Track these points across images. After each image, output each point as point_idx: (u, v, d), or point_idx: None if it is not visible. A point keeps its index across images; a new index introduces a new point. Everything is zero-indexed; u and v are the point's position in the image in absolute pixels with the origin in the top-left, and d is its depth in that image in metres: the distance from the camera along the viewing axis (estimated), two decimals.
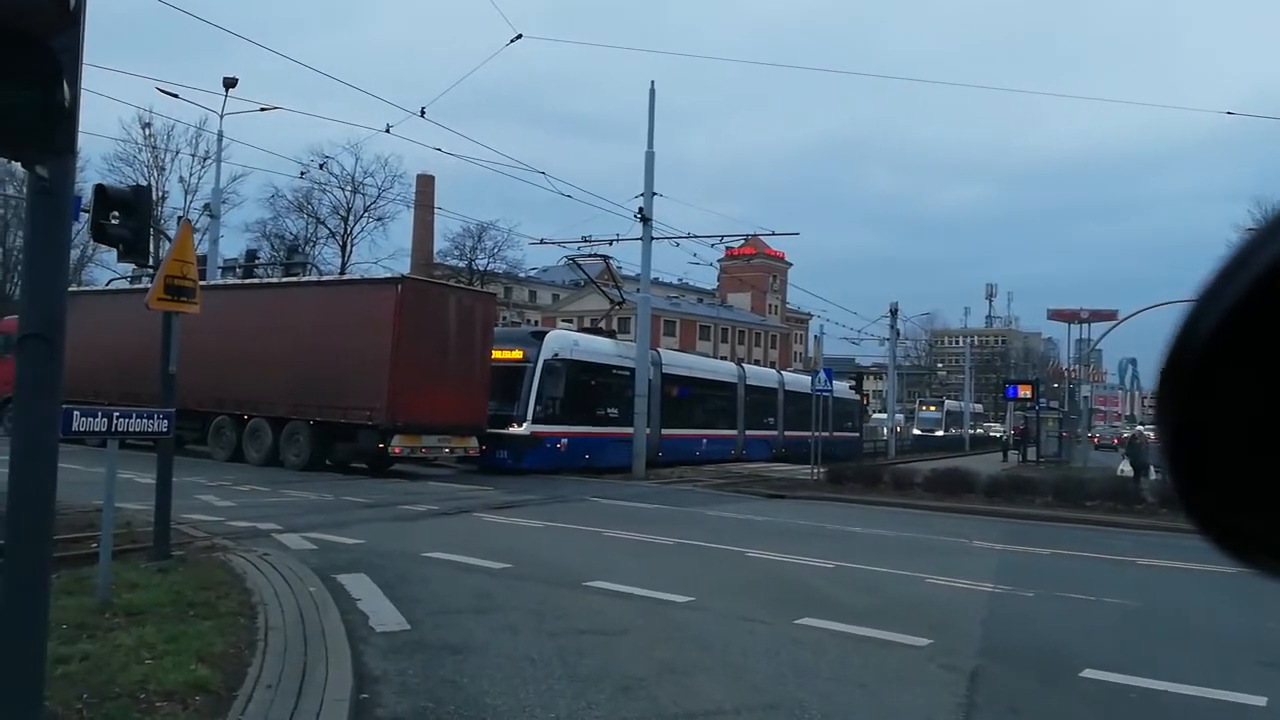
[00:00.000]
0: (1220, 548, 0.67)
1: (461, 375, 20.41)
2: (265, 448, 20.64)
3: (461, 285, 32.12)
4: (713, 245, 31.25)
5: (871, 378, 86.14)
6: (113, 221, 7.04)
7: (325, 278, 31.57)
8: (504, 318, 56.90)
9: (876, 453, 42.83)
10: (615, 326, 38.56)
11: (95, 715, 4.40)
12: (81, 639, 5.54)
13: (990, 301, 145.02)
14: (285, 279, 30.71)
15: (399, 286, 20.03)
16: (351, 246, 50.05)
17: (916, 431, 69.07)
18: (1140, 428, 34.48)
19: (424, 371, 19.27)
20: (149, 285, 9.46)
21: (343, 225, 49.90)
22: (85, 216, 9.54)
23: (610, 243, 27.55)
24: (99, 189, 7.24)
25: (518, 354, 22.70)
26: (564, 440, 22.76)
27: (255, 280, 29.61)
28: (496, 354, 22.59)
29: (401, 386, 18.92)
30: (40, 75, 3.47)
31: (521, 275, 62.30)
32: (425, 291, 21.22)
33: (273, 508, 13.30)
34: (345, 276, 34.82)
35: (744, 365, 35.73)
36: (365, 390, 19.11)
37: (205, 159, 44.19)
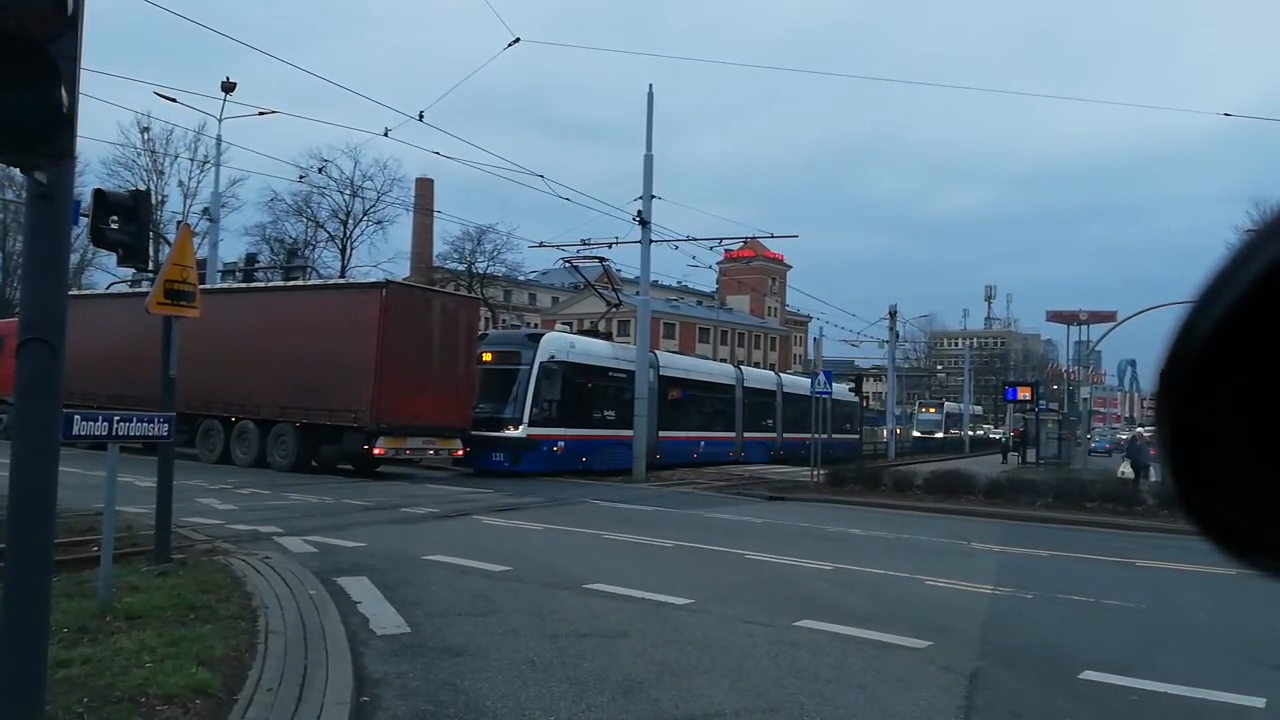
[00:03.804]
0: (1220, 548, 0.67)
1: (445, 378, 20.60)
2: (252, 450, 20.88)
3: (445, 290, 32.22)
4: (712, 248, 31.31)
5: (871, 380, 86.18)
6: (112, 226, 7.04)
7: (311, 282, 31.63)
8: (503, 320, 56.87)
9: (876, 455, 42.81)
10: (614, 329, 38.50)
11: (96, 719, 4.40)
12: (82, 642, 5.54)
13: (989, 303, 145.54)
14: (272, 283, 30.74)
15: (383, 291, 20.33)
16: (351, 250, 49.95)
17: (916, 433, 69.09)
18: (1140, 429, 34.47)
19: (408, 374, 19.46)
20: (147, 289, 9.46)
21: (342, 229, 49.77)
22: (85, 221, 9.53)
23: (610, 245, 27.58)
24: (98, 194, 7.23)
25: (514, 356, 22.72)
26: (561, 443, 22.74)
27: (243, 284, 29.65)
28: (492, 356, 22.66)
29: (386, 389, 19.11)
30: (38, 80, 3.47)
31: (521, 278, 62.20)
32: (409, 296, 21.45)
33: (273, 511, 13.29)
34: (331, 281, 34.98)
35: (742, 367, 35.69)
36: (350, 393, 19.29)
37: (204, 163, 44.16)
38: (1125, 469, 28.62)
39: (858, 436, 43.78)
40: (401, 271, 51.64)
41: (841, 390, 37.91)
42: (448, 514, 14.31)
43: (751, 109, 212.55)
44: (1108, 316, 42.39)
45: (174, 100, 25.76)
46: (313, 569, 8.58)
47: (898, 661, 6.41)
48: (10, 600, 3.74)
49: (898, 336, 55.59)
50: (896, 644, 6.82)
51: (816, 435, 24.16)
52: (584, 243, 27.87)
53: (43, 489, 3.80)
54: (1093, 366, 46.79)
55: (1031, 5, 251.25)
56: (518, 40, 21.30)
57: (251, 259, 44.70)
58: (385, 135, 22.82)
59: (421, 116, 21.74)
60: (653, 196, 24.76)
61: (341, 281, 34.84)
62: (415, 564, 9.34)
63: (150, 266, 13.42)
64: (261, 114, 26.42)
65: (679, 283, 63.98)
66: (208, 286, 25.27)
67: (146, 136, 46.28)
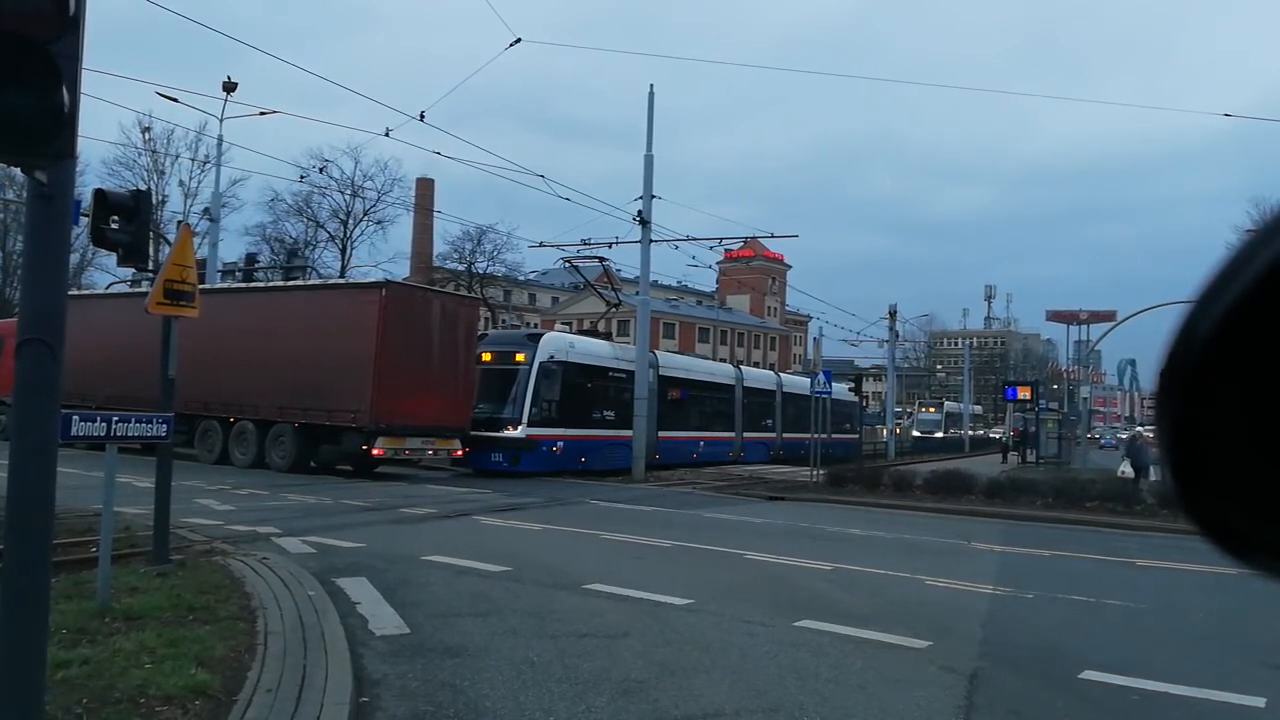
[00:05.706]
0: (1220, 548, 0.67)
1: (445, 378, 20.62)
2: (251, 450, 20.88)
3: (445, 290, 32.20)
4: (711, 248, 31.36)
5: (871, 379, 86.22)
6: (112, 226, 7.03)
7: (311, 282, 31.58)
8: (503, 320, 56.86)
9: (876, 454, 42.80)
10: (614, 329, 38.47)
11: None
12: (81, 643, 5.54)
13: (989, 303, 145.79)
14: (272, 284, 30.71)
15: (383, 291, 20.32)
16: (351, 250, 49.97)
17: (916, 433, 69.09)
18: (1140, 428, 34.47)
19: (407, 374, 19.46)
20: (147, 289, 9.45)
21: (342, 229, 49.79)
22: (85, 221, 9.53)
23: (610, 245, 27.60)
24: (99, 194, 7.22)
25: (513, 356, 22.73)
26: (560, 443, 22.74)
27: (243, 285, 29.60)
28: (491, 356, 22.66)
29: (385, 389, 19.12)
30: (39, 80, 3.47)
31: (521, 278, 62.22)
32: (409, 296, 21.44)
33: (272, 511, 13.29)
34: (330, 281, 34.96)
35: (742, 367, 35.69)
36: (350, 393, 19.29)
37: (205, 163, 44.14)
38: (1125, 468, 28.59)
39: (857, 436, 43.78)
40: (401, 271, 51.68)
41: (841, 390, 37.89)
42: (447, 514, 14.30)
43: (751, 109, 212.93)
44: (1107, 316, 42.47)
45: (175, 100, 25.74)
46: (311, 570, 8.57)
47: (898, 661, 6.41)
48: (9, 601, 3.73)
49: (897, 336, 55.62)
50: (896, 644, 6.81)
51: (816, 435, 24.17)
52: (584, 243, 27.91)
53: (41, 489, 3.80)
54: (1093, 366, 46.84)
55: (1031, 5, 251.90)
56: (519, 40, 21.36)
57: (251, 259, 44.72)
58: (386, 135, 22.87)
59: (423, 116, 21.78)
60: (653, 196, 24.78)
61: (341, 282, 34.82)
62: (414, 564, 9.34)
63: (150, 266, 13.41)
64: (263, 114, 26.41)
65: (679, 283, 64.00)
66: (207, 286, 25.33)
67: (147, 136, 46.23)
